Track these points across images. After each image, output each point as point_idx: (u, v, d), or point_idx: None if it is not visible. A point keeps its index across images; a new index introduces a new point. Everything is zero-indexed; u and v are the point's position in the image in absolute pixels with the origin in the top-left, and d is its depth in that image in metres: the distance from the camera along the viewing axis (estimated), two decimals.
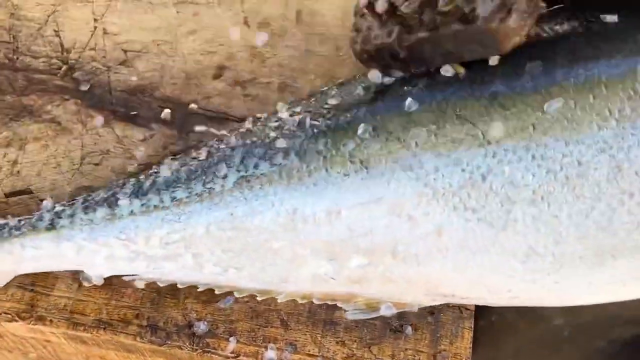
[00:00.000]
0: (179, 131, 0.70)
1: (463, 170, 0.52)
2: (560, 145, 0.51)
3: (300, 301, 0.61)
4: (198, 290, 0.62)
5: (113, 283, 0.63)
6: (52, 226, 0.60)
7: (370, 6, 0.54)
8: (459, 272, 0.55)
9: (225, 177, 0.58)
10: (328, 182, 0.55)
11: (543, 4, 0.52)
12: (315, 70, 0.72)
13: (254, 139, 0.60)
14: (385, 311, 0.59)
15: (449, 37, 0.51)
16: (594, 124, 0.51)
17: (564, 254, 0.53)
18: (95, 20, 0.77)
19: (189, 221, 0.58)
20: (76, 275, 0.63)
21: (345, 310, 0.60)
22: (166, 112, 0.71)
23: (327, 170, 0.55)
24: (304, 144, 0.56)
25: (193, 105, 0.71)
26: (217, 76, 0.73)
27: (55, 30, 0.76)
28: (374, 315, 0.60)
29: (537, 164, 0.52)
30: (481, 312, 0.92)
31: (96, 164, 0.69)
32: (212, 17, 0.77)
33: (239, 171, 0.57)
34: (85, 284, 0.62)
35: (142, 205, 0.59)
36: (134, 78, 0.73)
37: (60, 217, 0.60)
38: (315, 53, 0.74)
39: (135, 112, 0.71)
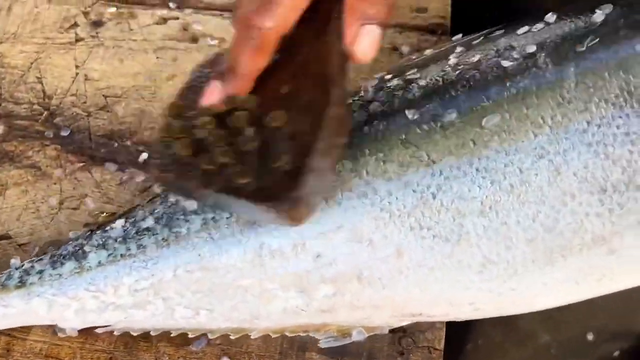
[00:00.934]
0: None
1: (414, 191, 0.54)
2: (501, 156, 0.53)
3: (273, 335, 0.61)
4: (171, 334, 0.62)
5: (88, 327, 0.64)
6: (21, 283, 0.61)
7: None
8: (422, 290, 0.57)
9: (191, 219, 0.59)
10: None
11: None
12: None
13: None
14: (357, 337, 0.61)
15: (242, 203, 0.51)
16: (529, 133, 0.53)
17: (516, 259, 0.55)
18: (77, 66, 0.79)
19: (156, 266, 0.58)
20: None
21: (318, 340, 0.61)
22: (143, 156, 0.72)
23: None
24: None
25: None
26: None
27: (37, 77, 0.78)
28: (346, 341, 0.61)
29: (481, 176, 0.54)
30: (467, 336, 0.92)
31: (74, 209, 0.70)
32: (191, 62, 0.78)
33: (204, 212, 0.58)
34: (60, 335, 0.63)
35: (109, 255, 0.60)
36: (114, 123, 0.74)
37: (29, 274, 0.61)
38: None
39: (113, 157, 0.72)
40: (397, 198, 0.55)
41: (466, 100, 0.55)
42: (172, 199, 0.61)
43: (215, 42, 0.80)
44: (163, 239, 0.59)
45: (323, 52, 0.53)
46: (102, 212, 0.69)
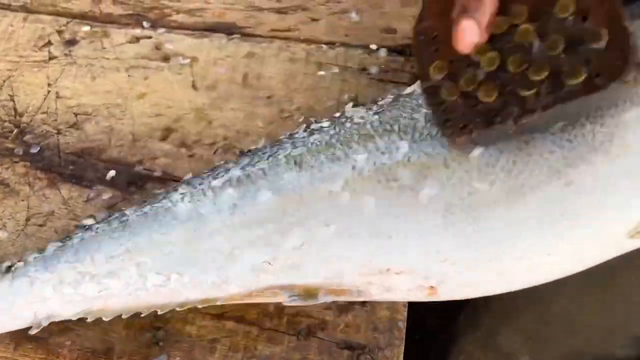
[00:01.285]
0: (123, 192, 0.71)
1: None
2: None
3: (240, 301, 0.62)
4: (132, 348, 0.62)
5: (49, 343, 0.64)
6: (7, 269, 0.63)
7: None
8: (388, 237, 0.58)
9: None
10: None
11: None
12: (258, 132, 0.74)
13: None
14: (324, 298, 0.61)
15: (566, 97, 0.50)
16: None
17: (479, 202, 0.57)
18: (49, 84, 0.79)
19: (132, 230, 0.62)
20: (14, 336, 0.64)
21: (284, 300, 0.62)
22: (111, 174, 0.72)
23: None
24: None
25: (138, 167, 0.73)
26: (163, 138, 0.75)
27: (10, 95, 0.79)
28: (311, 302, 0.61)
29: None
30: (448, 356, 0.93)
31: (40, 225, 0.70)
32: (162, 80, 0.79)
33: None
34: (34, 331, 0.63)
35: (91, 232, 0.64)
36: (83, 140, 0.75)
37: (15, 262, 0.64)
38: (259, 115, 0.76)
39: (81, 174, 0.73)
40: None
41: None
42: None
43: (187, 61, 0.80)
44: (142, 211, 0.63)
45: None
46: (69, 230, 0.69)
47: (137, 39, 0.83)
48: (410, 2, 0.83)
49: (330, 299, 0.61)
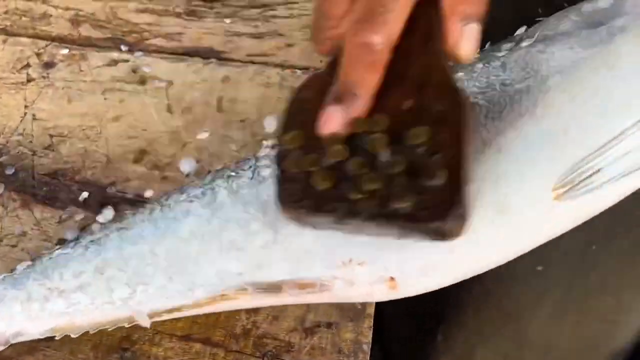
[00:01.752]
0: (95, 214, 0.72)
1: None
2: None
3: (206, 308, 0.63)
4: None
5: None
6: None
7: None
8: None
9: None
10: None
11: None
12: (231, 155, 0.75)
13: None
14: (288, 291, 0.61)
15: (395, 227, 0.51)
16: None
17: None
18: (26, 106, 0.80)
19: (101, 247, 0.64)
20: None
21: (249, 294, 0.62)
22: (84, 195, 0.73)
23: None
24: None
25: (111, 189, 0.74)
26: (137, 160, 0.76)
27: None
28: (275, 296, 0.62)
29: None
30: None
31: (12, 246, 0.71)
32: (137, 103, 0.80)
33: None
34: (0, 348, 0.64)
35: (61, 250, 0.66)
36: (57, 162, 0.76)
37: None
38: (232, 138, 0.77)
39: (55, 195, 0.74)
40: None
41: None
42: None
43: (163, 84, 0.81)
44: (112, 228, 0.65)
45: (433, 60, 0.52)
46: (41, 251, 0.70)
47: (114, 62, 0.84)
48: None
49: (295, 292, 0.61)
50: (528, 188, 0.58)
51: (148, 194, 0.73)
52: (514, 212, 0.58)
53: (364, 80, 0.51)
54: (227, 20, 0.86)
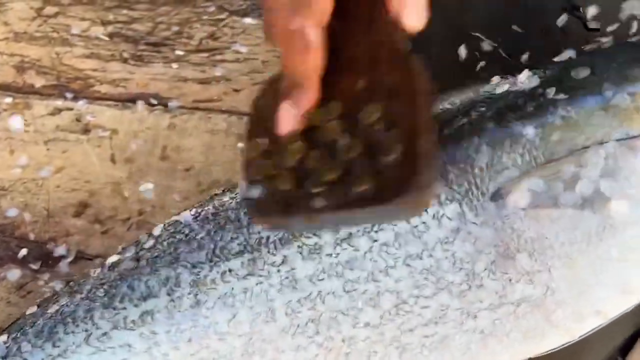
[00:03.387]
0: (34, 272, 0.70)
1: None
2: None
3: None
4: None
5: None
6: None
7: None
8: None
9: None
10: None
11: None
12: (175, 205, 0.74)
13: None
14: None
15: (360, 213, 0.49)
16: None
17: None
18: None
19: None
20: None
21: None
22: (22, 252, 0.72)
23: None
24: None
25: (51, 245, 0.72)
26: (78, 214, 0.75)
27: None
28: None
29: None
30: None
31: None
32: (80, 153, 0.79)
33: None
34: None
35: None
36: None
37: None
38: (176, 188, 0.76)
39: None
40: None
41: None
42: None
43: (106, 133, 0.80)
44: None
45: (382, 35, 0.50)
46: None
47: (58, 111, 0.82)
48: None
49: None
50: None
51: (112, 259, 0.64)
52: None
53: (303, 67, 0.49)
54: (174, 65, 0.85)
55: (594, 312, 0.51)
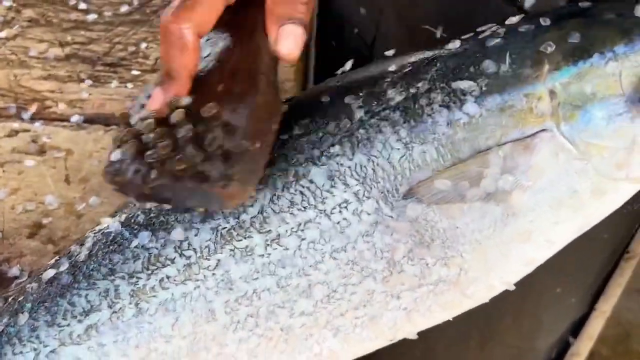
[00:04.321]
0: None
1: None
2: None
3: None
4: None
5: None
6: None
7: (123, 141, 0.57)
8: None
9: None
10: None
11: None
12: None
13: None
14: None
15: (183, 189, 0.55)
16: None
17: None
18: None
19: None
20: None
21: None
22: None
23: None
24: None
25: (4, 266, 0.74)
26: (32, 235, 0.76)
27: None
28: None
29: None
30: None
31: None
32: (36, 175, 0.80)
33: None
34: None
35: None
36: None
37: None
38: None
39: None
40: None
41: None
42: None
43: (62, 154, 0.81)
44: None
45: (252, 51, 0.58)
46: None
47: (15, 132, 0.84)
48: (282, 91, 0.84)
49: None
50: None
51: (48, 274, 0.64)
52: None
53: (175, 63, 0.56)
54: (130, 85, 0.86)
55: (502, 282, 0.57)
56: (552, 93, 0.53)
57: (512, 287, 0.58)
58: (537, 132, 0.52)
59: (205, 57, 0.58)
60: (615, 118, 0.52)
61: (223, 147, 0.54)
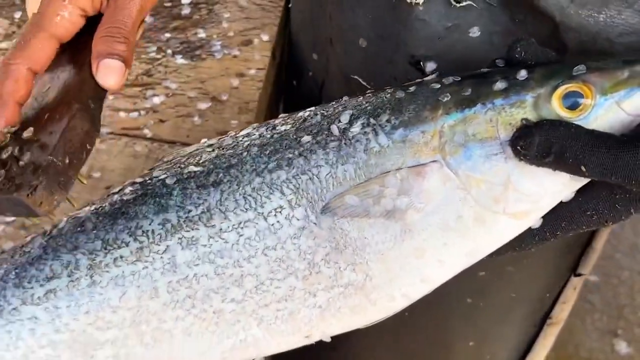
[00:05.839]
0: None
1: None
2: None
3: None
4: None
5: None
6: None
7: None
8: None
9: None
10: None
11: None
12: None
13: None
14: None
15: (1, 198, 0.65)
16: None
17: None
18: None
19: None
20: None
21: None
22: None
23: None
24: None
25: None
26: (6, 223, 0.85)
27: None
28: None
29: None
30: None
31: None
32: None
33: None
34: None
35: None
36: None
37: None
38: None
39: None
40: None
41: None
42: None
43: None
44: None
45: (76, 83, 0.67)
46: None
47: None
48: (245, 110, 0.94)
49: None
50: None
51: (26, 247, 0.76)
52: None
53: (3, 91, 0.65)
54: (110, 97, 0.96)
55: (401, 295, 0.63)
56: (441, 132, 0.61)
57: (410, 302, 0.65)
58: (429, 162, 0.61)
59: (45, 90, 0.68)
60: (491, 157, 0.60)
61: (35, 162, 0.63)
